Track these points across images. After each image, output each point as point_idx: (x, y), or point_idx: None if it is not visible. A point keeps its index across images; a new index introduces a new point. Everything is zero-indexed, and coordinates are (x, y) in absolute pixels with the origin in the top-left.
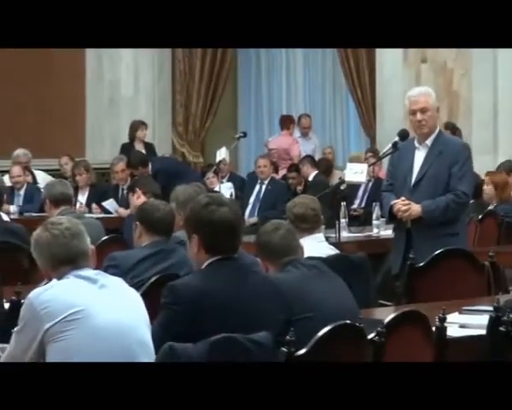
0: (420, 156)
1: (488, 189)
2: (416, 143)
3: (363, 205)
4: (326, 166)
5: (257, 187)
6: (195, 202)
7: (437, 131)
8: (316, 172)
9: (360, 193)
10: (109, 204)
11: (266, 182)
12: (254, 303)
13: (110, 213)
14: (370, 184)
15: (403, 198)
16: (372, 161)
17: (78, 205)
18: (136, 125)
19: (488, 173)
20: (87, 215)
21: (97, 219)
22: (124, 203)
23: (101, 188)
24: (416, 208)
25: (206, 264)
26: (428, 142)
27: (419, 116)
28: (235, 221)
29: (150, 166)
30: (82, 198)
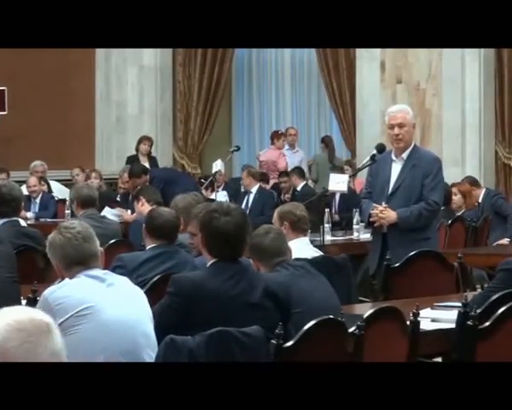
0: (396, 168)
1: (457, 198)
2: (393, 156)
3: (337, 212)
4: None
5: (246, 196)
6: (207, 205)
7: (412, 145)
8: (304, 182)
9: (332, 203)
10: (108, 212)
11: (254, 191)
12: (251, 302)
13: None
14: (339, 195)
15: (385, 205)
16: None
17: None
18: (140, 140)
19: (454, 185)
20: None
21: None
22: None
23: (108, 195)
24: (392, 215)
25: (209, 263)
26: (404, 155)
27: (396, 130)
28: (235, 232)
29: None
30: None
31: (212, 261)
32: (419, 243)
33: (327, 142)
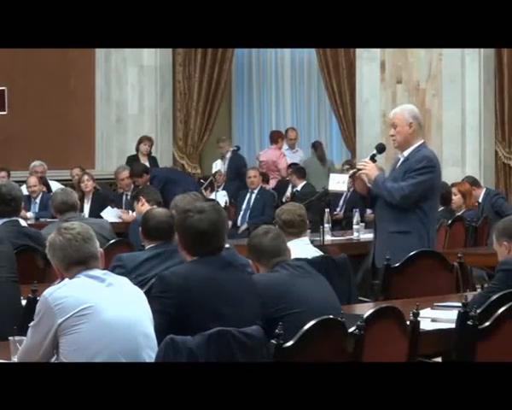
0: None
1: (457, 198)
2: (399, 155)
3: (343, 211)
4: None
5: (247, 196)
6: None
7: (416, 144)
8: (304, 182)
9: (341, 202)
10: (109, 212)
11: (256, 191)
12: (235, 291)
13: None
14: (349, 194)
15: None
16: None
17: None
18: (140, 140)
19: (454, 185)
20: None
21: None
22: (128, 209)
23: (104, 195)
24: (374, 170)
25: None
26: (406, 153)
27: (391, 131)
28: (209, 228)
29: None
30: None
31: (189, 260)
32: (396, 237)
33: (316, 146)
